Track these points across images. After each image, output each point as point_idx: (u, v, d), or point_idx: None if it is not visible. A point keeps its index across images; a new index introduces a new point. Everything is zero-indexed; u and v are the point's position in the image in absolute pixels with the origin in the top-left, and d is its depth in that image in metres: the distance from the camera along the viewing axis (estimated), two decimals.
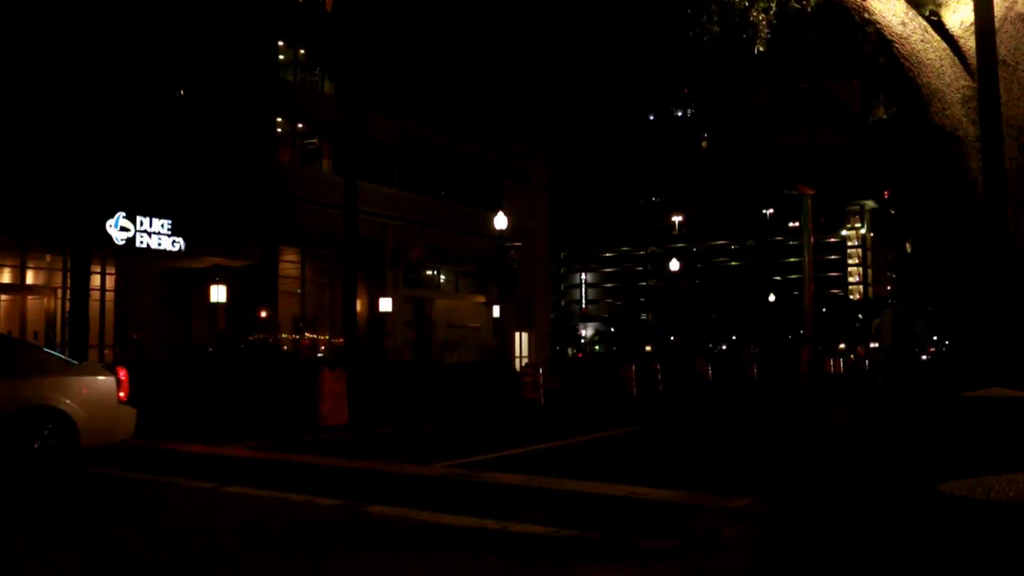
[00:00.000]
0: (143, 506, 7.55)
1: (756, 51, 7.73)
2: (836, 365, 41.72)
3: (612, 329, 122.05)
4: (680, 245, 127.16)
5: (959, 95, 6.49)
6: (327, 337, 29.87)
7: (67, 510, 7.26)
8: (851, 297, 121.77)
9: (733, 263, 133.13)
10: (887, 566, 5.01)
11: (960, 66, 6.57)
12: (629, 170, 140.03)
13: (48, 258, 23.20)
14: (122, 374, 9.64)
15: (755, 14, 7.42)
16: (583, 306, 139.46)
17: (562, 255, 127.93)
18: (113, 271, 24.25)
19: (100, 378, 9.56)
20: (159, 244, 22.27)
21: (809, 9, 7.56)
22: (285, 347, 27.72)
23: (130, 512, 7.24)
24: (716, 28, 7.62)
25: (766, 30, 7.53)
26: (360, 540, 5.99)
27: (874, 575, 4.86)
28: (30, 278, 23.20)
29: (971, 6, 6.14)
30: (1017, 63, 6.31)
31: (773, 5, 7.45)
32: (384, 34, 28.82)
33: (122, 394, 9.54)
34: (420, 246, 31.95)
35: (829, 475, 7.13)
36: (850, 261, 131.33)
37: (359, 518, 6.71)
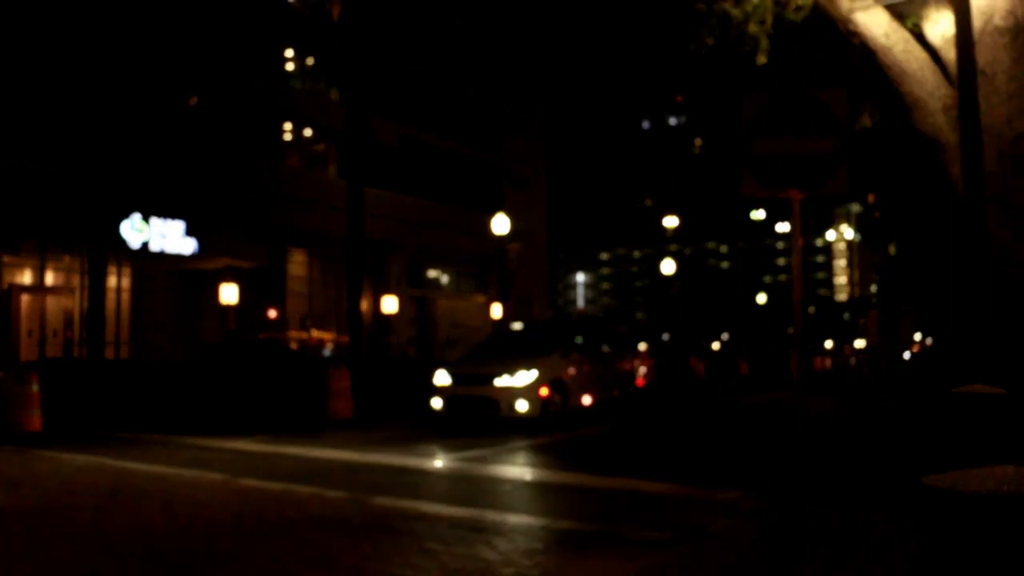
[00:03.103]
0: (156, 496, 7.67)
1: (759, 63, 7.90)
2: (824, 363, 41.99)
3: None
4: (674, 247, 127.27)
5: (940, 104, 6.71)
6: (334, 335, 30.13)
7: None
8: (838, 297, 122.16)
9: (724, 264, 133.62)
10: (871, 556, 5.19)
11: (941, 76, 6.79)
12: (625, 174, 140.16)
13: (67, 259, 23.48)
14: None
15: (752, 26, 7.63)
16: (580, 306, 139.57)
17: (560, 256, 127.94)
18: (128, 272, 24.63)
19: None
20: (173, 246, 22.53)
21: (800, 21, 7.77)
22: (293, 345, 27.95)
23: (144, 503, 7.37)
24: (711, 41, 7.83)
25: (766, 42, 7.73)
26: (365, 531, 6.08)
27: (858, 565, 5.01)
28: (50, 279, 23.54)
29: (951, 19, 6.34)
30: (995, 73, 6.47)
31: (769, 17, 7.68)
32: (387, 40, 29.12)
33: None
34: None
35: (819, 469, 7.37)
36: (837, 263, 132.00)
37: (365, 510, 6.84)
